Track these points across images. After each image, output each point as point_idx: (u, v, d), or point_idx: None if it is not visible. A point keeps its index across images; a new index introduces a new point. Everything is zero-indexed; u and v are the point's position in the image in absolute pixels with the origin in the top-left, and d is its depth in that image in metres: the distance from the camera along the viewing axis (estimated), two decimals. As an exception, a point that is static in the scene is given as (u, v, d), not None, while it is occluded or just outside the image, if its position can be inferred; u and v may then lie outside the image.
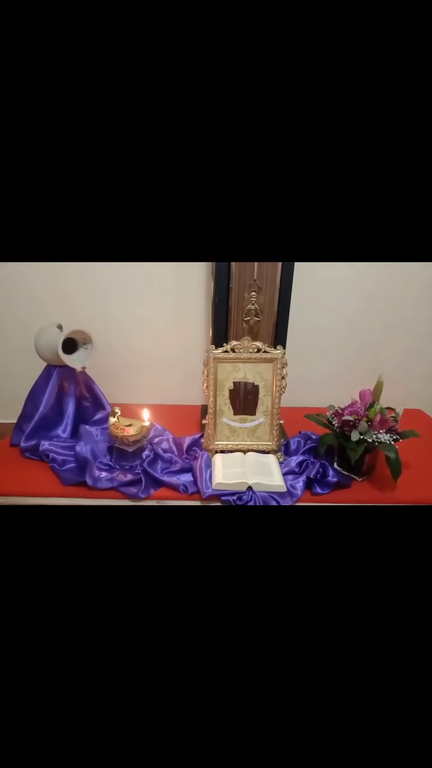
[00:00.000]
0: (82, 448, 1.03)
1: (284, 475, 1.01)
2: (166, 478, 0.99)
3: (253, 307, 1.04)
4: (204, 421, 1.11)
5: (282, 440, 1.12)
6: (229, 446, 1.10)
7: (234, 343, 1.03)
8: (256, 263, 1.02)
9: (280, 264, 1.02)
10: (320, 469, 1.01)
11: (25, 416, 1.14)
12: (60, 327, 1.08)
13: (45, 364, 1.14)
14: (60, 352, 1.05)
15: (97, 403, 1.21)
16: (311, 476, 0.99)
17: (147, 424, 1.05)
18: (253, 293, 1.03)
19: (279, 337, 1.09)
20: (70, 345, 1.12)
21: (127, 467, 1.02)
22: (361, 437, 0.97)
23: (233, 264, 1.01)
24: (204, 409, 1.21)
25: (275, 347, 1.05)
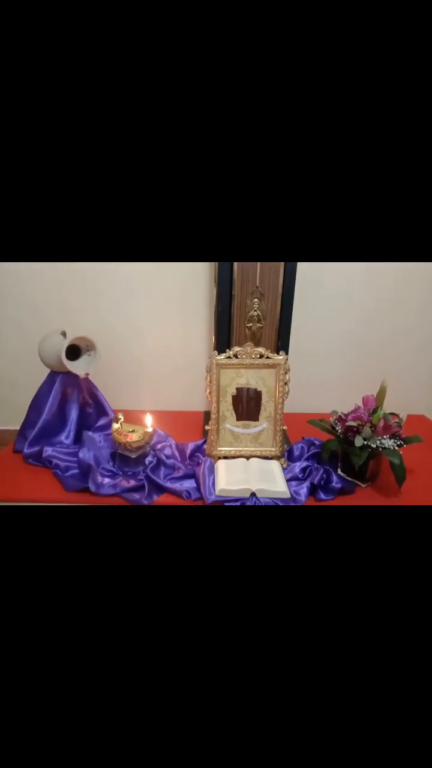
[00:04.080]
0: (85, 454, 1.03)
1: (288, 481, 1.00)
2: (169, 485, 0.99)
3: (255, 313, 1.05)
4: (207, 427, 1.11)
5: (285, 446, 1.12)
6: (232, 452, 1.10)
7: (237, 349, 1.03)
8: (258, 269, 1.03)
9: (282, 270, 1.03)
10: (324, 475, 1.00)
11: (28, 423, 1.15)
12: (64, 334, 1.09)
13: (48, 371, 1.14)
14: (63, 358, 1.05)
15: (100, 410, 1.22)
16: (315, 482, 0.99)
17: (150, 430, 1.05)
18: (256, 300, 1.04)
19: (281, 343, 1.09)
20: (74, 351, 1.13)
21: (130, 473, 1.02)
22: (365, 443, 0.96)
23: (236, 271, 1.02)
24: (207, 416, 1.21)
25: (278, 353, 1.05)
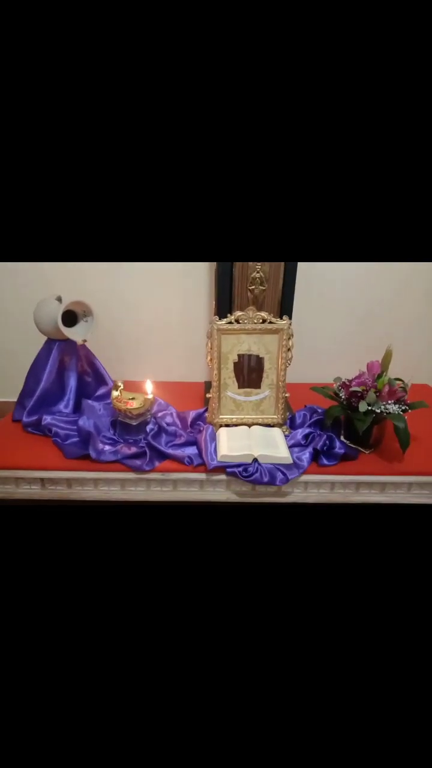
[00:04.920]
0: (85, 422, 1.02)
1: (290, 447, 0.99)
2: (170, 451, 0.98)
3: (258, 275, 1.01)
4: (208, 395, 1.09)
5: (287, 413, 1.10)
6: (234, 420, 1.08)
7: (238, 313, 1.00)
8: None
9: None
10: (327, 441, 0.99)
11: (26, 392, 1.13)
12: (59, 299, 1.05)
13: (44, 339, 1.12)
14: (60, 324, 1.02)
15: (99, 379, 1.19)
16: (318, 448, 0.98)
17: (150, 396, 1.03)
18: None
19: (285, 307, 1.06)
20: (70, 318, 1.09)
21: (131, 441, 1.01)
22: (369, 408, 0.95)
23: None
24: (208, 385, 1.20)
25: (281, 317, 1.02)
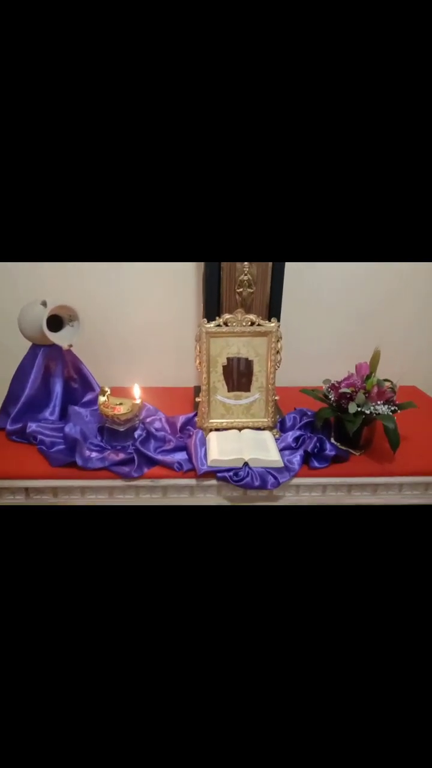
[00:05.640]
0: (71, 429, 0.99)
1: (281, 450, 0.99)
2: (159, 457, 0.96)
3: (245, 277, 1.01)
4: (197, 400, 1.07)
5: (277, 417, 1.10)
6: (224, 424, 1.07)
7: (227, 316, 1.00)
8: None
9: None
10: (317, 444, 0.99)
11: (10, 399, 1.10)
12: (44, 303, 1.03)
13: (29, 345, 1.09)
14: (44, 328, 1.00)
15: (86, 385, 1.17)
16: (308, 450, 0.97)
17: (138, 402, 1.01)
18: (246, 263, 1.00)
19: (273, 310, 1.06)
20: (56, 323, 1.07)
21: (119, 447, 0.98)
22: (359, 409, 0.95)
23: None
24: (197, 389, 1.18)
25: (269, 320, 1.02)
